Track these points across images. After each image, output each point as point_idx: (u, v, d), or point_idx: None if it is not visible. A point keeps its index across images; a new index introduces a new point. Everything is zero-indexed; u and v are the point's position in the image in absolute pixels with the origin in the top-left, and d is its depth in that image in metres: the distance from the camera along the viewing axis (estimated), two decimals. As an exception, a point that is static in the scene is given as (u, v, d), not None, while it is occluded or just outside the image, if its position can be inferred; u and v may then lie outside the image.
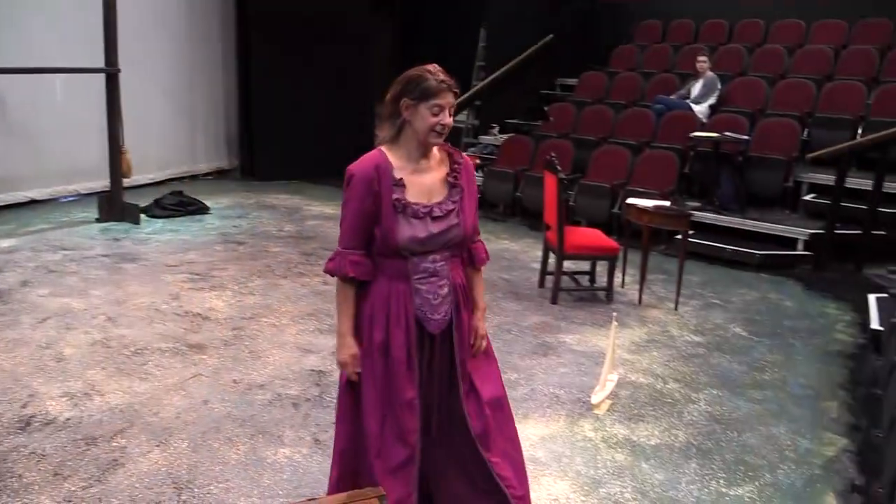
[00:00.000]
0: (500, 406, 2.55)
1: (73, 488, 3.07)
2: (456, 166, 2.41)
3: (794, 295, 6.00)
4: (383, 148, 2.37)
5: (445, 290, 2.39)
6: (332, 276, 2.39)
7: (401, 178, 2.31)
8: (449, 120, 2.30)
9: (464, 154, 2.50)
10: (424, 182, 2.36)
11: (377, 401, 2.37)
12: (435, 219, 2.33)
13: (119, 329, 4.80)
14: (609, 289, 5.70)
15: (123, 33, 7.42)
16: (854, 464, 3.50)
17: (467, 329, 2.47)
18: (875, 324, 4.96)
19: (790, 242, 6.89)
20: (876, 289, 5.77)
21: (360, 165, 2.35)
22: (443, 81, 2.27)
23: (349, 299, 2.40)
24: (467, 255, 2.52)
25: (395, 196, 2.29)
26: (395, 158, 2.34)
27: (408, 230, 2.29)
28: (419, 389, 2.39)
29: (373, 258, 2.37)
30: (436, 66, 2.32)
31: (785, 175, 7.44)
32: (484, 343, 2.55)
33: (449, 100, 2.29)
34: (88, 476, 3.16)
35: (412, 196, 2.32)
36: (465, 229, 2.39)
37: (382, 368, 2.36)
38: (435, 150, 2.41)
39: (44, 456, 3.30)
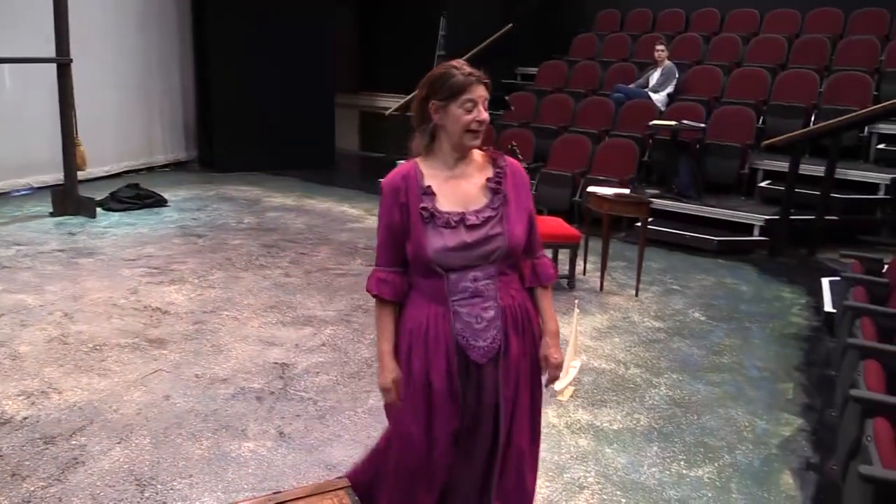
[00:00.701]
0: (524, 457, 2.28)
1: (32, 488, 3.01)
2: (499, 171, 2.18)
3: (750, 280, 6.13)
4: (418, 159, 2.19)
5: (491, 312, 2.13)
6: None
7: (429, 186, 2.12)
8: (485, 115, 2.10)
9: (510, 158, 2.25)
10: (460, 189, 2.14)
11: (420, 434, 2.17)
12: (470, 227, 2.09)
13: (76, 325, 4.70)
14: (571, 276, 5.76)
15: (76, 22, 7.24)
16: (809, 443, 3.60)
17: (517, 358, 2.18)
18: (828, 307, 5.11)
19: (746, 228, 7.03)
20: (829, 273, 5.94)
21: (389, 177, 2.18)
22: (471, 74, 2.08)
23: (384, 319, 2.22)
24: (529, 272, 2.26)
25: (422, 204, 2.09)
26: (428, 168, 2.15)
27: (438, 241, 2.07)
28: (463, 422, 2.18)
29: (408, 277, 2.19)
30: (460, 60, 2.16)
31: (741, 162, 7.58)
32: (559, 373, 2.31)
33: (481, 93, 2.09)
34: (48, 476, 3.11)
35: (445, 205, 2.11)
36: (511, 240, 2.12)
37: (423, 401, 2.15)
38: (476, 154, 2.19)
39: (1, 456, 3.23)
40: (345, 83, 11.92)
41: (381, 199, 2.17)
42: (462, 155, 2.15)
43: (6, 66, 7.70)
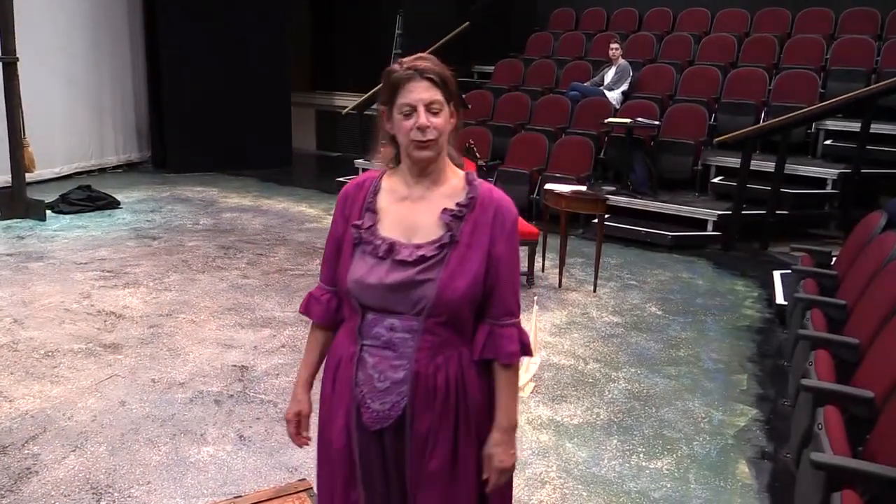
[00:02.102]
0: None
1: (-18, 500, 2.93)
2: (459, 205, 1.75)
3: (704, 274, 6.24)
4: (387, 171, 1.85)
5: (400, 374, 1.73)
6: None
7: (373, 202, 1.79)
8: (423, 120, 1.67)
9: (496, 191, 1.81)
10: (411, 214, 1.76)
11: (327, 489, 1.89)
12: (397, 264, 1.71)
13: (27, 331, 4.58)
14: (530, 273, 5.80)
15: (23, 21, 7.05)
16: (764, 432, 3.68)
17: (431, 443, 1.75)
18: (780, 299, 5.23)
19: (700, 223, 7.16)
20: (780, 266, 6.08)
21: (348, 184, 1.89)
22: (410, 68, 1.69)
23: (309, 342, 1.93)
24: (483, 339, 1.76)
25: (355, 222, 1.77)
26: (389, 182, 1.81)
27: (359, 269, 1.73)
28: (367, 494, 1.83)
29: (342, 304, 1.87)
30: (422, 54, 1.78)
31: (694, 158, 7.71)
32: (503, 479, 1.82)
33: (420, 94, 1.68)
34: (0, 487, 3.02)
35: (387, 229, 1.75)
36: (443, 294, 1.69)
37: (324, 454, 1.88)
38: (452, 174, 1.80)
39: (-52, 468, 3.14)
40: (300, 82, 11.82)
41: (335, 208, 1.89)
42: (422, 173, 1.76)
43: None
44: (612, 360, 4.50)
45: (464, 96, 9.46)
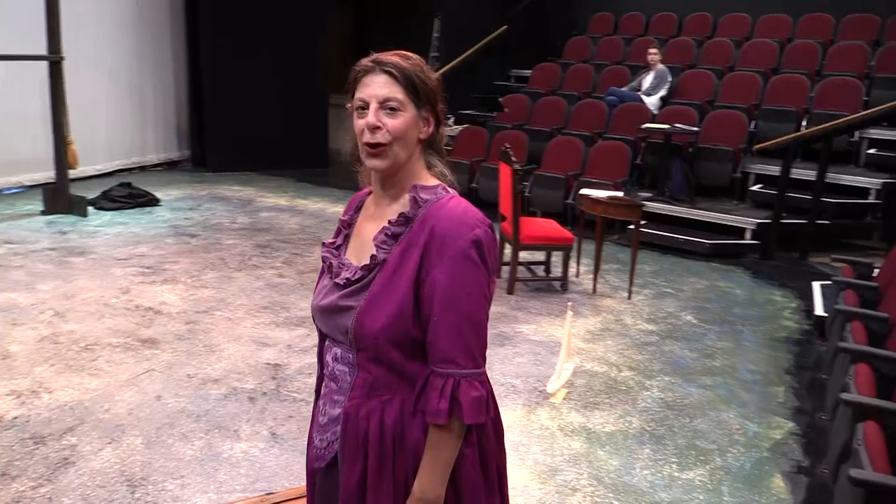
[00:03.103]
0: None
1: (21, 489, 2.99)
2: (395, 225, 1.50)
3: (742, 283, 6.15)
4: None
5: (338, 411, 1.55)
6: None
7: (347, 220, 1.66)
8: (375, 118, 1.45)
9: (448, 209, 1.47)
10: (363, 233, 1.59)
11: None
12: (333, 286, 1.56)
13: (68, 324, 4.68)
14: (564, 279, 5.77)
15: (68, 20, 7.21)
16: (800, 446, 3.61)
17: (355, 494, 1.52)
18: (819, 310, 5.13)
19: (738, 232, 7.06)
20: (820, 276, 5.96)
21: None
22: (371, 60, 1.49)
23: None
24: (420, 390, 1.48)
25: (324, 240, 1.67)
26: (371, 197, 1.65)
27: (316, 292, 1.63)
28: None
29: None
30: (399, 51, 1.54)
31: (733, 166, 7.61)
32: None
33: (376, 89, 1.46)
34: (38, 476, 3.09)
35: (347, 249, 1.61)
36: (362, 324, 1.46)
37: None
38: (409, 190, 1.53)
39: (-10, 456, 3.22)
40: (338, 84, 11.89)
41: None
42: (382, 185, 1.55)
43: (-3, 63, 7.65)
44: (646, 368, 4.45)
45: (500, 100, 9.47)
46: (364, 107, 1.47)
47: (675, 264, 6.61)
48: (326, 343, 1.62)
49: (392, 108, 1.46)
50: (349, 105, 1.53)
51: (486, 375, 1.51)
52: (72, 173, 7.54)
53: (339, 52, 12.09)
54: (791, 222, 6.91)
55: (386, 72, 1.46)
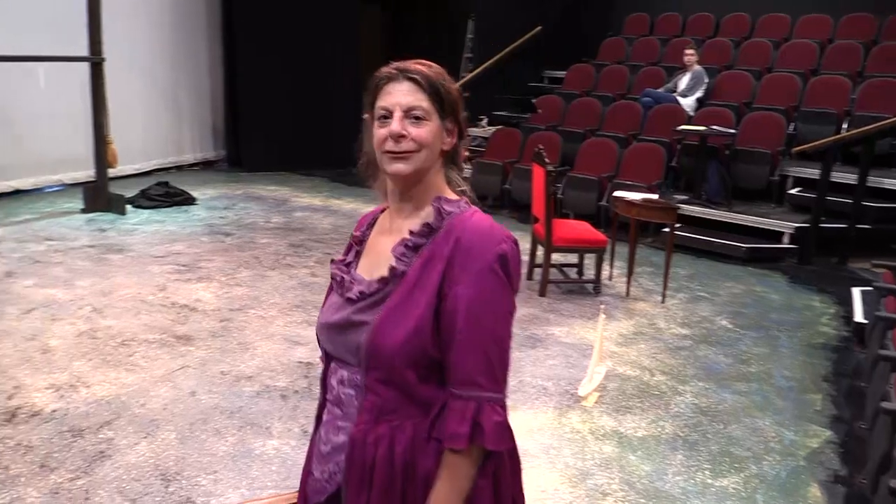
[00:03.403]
0: None
1: (59, 480, 3.06)
2: (419, 230, 1.43)
3: (779, 288, 6.05)
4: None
5: (342, 438, 1.44)
6: None
7: (359, 235, 1.58)
8: (399, 127, 1.38)
9: (473, 222, 1.41)
10: (378, 248, 1.50)
11: None
12: (347, 302, 1.45)
13: (105, 320, 4.77)
14: (597, 281, 5.72)
15: (107, 22, 7.34)
16: (838, 455, 3.54)
17: None
18: (859, 317, 5.02)
19: (776, 236, 6.94)
20: (860, 282, 5.84)
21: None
22: (394, 68, 1.43)
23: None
24: (438, 414, 1.39)
25: (333, 256, 1.60)
26: (385, 213, 1.58)
27: (323, 311, 1.52)
28: None
29: None
30: (421, 60, 1.47)
31: (771, 168, 7.48)
32: None
33: (400, 97, 1.39)
34: (75, 468, 3.15)
35: (360, 266, 1.51)
36: (374, 339, 1.36)
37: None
38: (432, 202, 1.45)
39: (30, 448, 3.28)
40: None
41: None
42: (402, 196, 1.46)
43: (41, 64, 7.81)
44: (680, 372, 4.40)
45: (534, 101, 9.43)
46: (387, 115, 1.40)
47: (710, 268, 6.52)
48: (332, 365, 1.49)
49: (417, 117, 1.40)
50: (367, 115, 1.47)
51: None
52: (111, 172, 7.68)
53: (374, 54, 12.16)
54: (830, 226, 6.76)
55: (410, 79, 1.40)
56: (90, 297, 5.15)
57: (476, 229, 1.38)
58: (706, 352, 4.71)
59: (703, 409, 3.95)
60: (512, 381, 4.18)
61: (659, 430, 3.71)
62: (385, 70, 1.43)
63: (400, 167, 1.40)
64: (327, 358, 1.51)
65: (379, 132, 1.41)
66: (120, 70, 8.16)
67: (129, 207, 7.63)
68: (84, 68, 7.37)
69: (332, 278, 1.53)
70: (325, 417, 1.51)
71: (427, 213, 1.45)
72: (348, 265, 1.53)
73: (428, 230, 1.41)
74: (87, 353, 4.27)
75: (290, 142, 10.10)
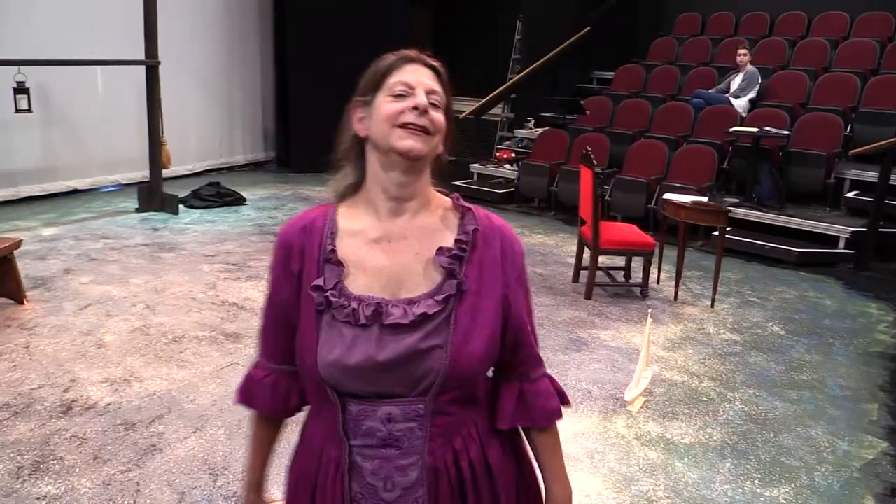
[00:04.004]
0: None
1: (112, 472, 3.14)
2: (465, 235, 1.32)
3: (834, 294, 5.88)
4: (340, 205, 1.40)
5: (412, 475, 1.29)
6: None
7: (333, 250, 1.31)
8: (423, 100, 1.27)
9: (494, 217, 1.38)
10: (390, 259, 1.31)
11: None
12: (390, 330, 1.25)
13: (157, 317, 4.88)
14: (644, 285, 5.64)
15: (162, 26, 7.52)
16: (894, 467, 3.42)
17: None
18: (918, 325, 4.85)
19: (831, 240, 6.76)
20: (920, 289, 5.65)
21: (286, 226, 1.40)
22: (406, 55, 1.35)
23: (257, 438, 1.53)
24: (513, 404, 1.38)
25: (316, 282, 1.29)
26: (349, 217, 1.36)
27: (333, 346, 1.26)
28: None
29: (299, 387, 1.41)
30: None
31: (826, 171, 7.29)
32: None
33: (422, 77, 1.30)
34: (127, 461, 3.23)
35: (360, 284, 1.29)
36: (459, 363, 1.25)
37: None
38: (436, 203, 1.36)
39: (85, 440, 3.38)
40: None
41: (271, 259, 1.39)
42: (399, 194, 1.31)
43: (99, 67, 8.05)
44: (729, 379, 4.31)
45: (582, 102, 9.35)
46: (406, 92, 1.28)
47: (761, 273, 6.37)
48: (359, 409, 1.27)
49: (434, 104, 1.29)
50: (359, 99, 1.34)
51: None
52: (164, 172, 7.87)
53: (421, 55, 12.20)
54: (889, 231, 6.56)
55: (431, 67, 1.32)
56: (143, 295, 5.28)
57: (505, 228, 1.38)
58: (756, 358, 4.61)
59: (752, 416, 3.87)
60: (556, 385, 4.15)
61: (707, 437, 3.64)
62: (397, 55, 1.34)
63: (416, 143, 1.25)
64: (344, 401, 1.28)
65: (395, 105, 1.27)
66: (174, 73, 8.35)
67: (181, 207, 7.80)
68: (140, 71, 7.56)
69: (333, 307, 1.26)
70: (366, 466, 1.29)
71: (442, 216, 1.34)
72: (336, 286, 1.28)
73: (471, 236, 1.32)
74: (140, 349, 4.38)
75: (339, 143, 10.19)
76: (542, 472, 1.44)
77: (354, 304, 1.25)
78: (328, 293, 1.27)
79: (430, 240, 1.31)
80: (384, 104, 1.28)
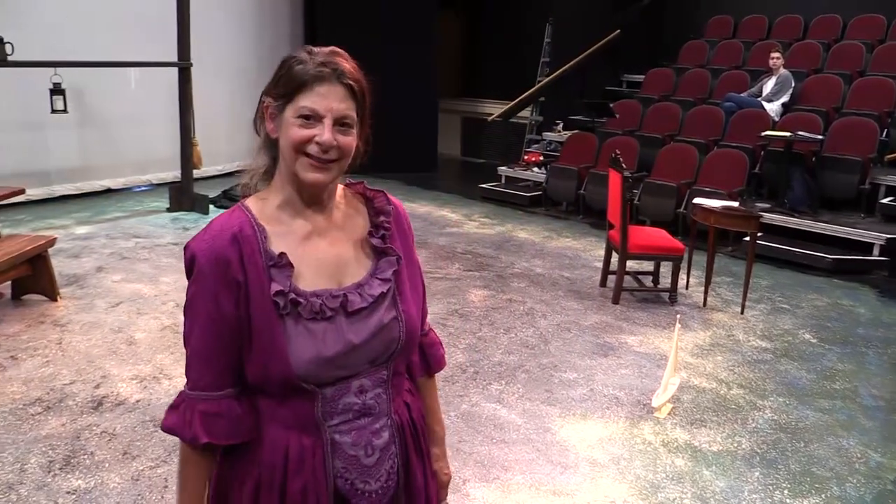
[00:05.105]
0: None
1: (141, 468, 3.18)
2: (382, 219, 1.45)
3: (867, 302, 5.77)
4: (249, 201, 1.39)
5: (385, 436, 1.39)
6: (174, 436, 1.41)
7: (282, 254, 1.32)
8: (331, 137, 1.29)
9: (392, 197, 1.52)
10: (327, 251, 1.37)
11: None
12: (353, 315, 1.33)
13: (187, 316, 4.93)
14: (673, 290, 5.59)
15: (194, 25, 7.62)
16: (929, 480, 3.35)
17: (423, 494, 1.50)
18: (955, 334, 4.75)
19: (865, 247, 6.63)
20: (957, 298, 5.52)
21: (206, 240, 1.33)
22: (325, 64, 1.30)
23: (196, 477, 1.42)
24: (419, 357, 1.56)
25: (276, 288, 1.29)
26: (269, 218, 1.36)
27: (308, 345, 1.29)
28: None
29: (250, 400, 1.37)
30: (334, 48, 1.36)
31: (861, 177, 7.16)
32: (446, 495, 1.65)
33: (333, 102, 1.29)
34: (156, 457, 3.27)
35: (308, 281, 1.33)
36: (410, 327, 1.40)
37: None
38: (340, 192, 1.44)
39: (114, 435, 3.43)
40: (448, 88, 12.04)
41: (195, 277, 1.35)
42: (313, 199, 1.37)
43: (132, 69, 8.17)
44: (758, 387, 4.25)
45: (611, 105, 9.30)
46: (312, 117, 1.29)
47: (792, 279, 6.28)
48: (333, 391, 1.34)
49: (345, 124, 1.32)
50: (269, 99, 1.34)
51: None
52: (195, 173, 7.96)
53: (451, 59, 12.23)
54: (925, 239, 6.43)
55: (346, 85, 1.31)
56: (173, 293, 5.34)
57: (399, 203, 1.53)
58: (787, 366, 4.54)
59: (782, 425, 3.81)
60: (582, 390, 4.14)
61: (735, 445, 3.59)
62: (312, 64, 1.30)
63: (320, 177, 1.31)
64: (325, 386, 1.33)
65: (300, 132, 1.29)
66: (206, 74, 8.45)
67: (211, 207, 7.88)
68: (172, 72, 7.66)
69: (299, 309, 1.30)
70: (346, 440, 1.35)
71: (355, 203, 1.47)
72: (291, 288, 1.31)
73: (388, 218, 1.46)
74: (170, 347, 4.43)
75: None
76: (428, 413, 1.58)
77: (316, 300, 1.31)
78: (291, 295, 1.30)
79: (351, 226, 1.42)
80: (291, 127, 1.30)
